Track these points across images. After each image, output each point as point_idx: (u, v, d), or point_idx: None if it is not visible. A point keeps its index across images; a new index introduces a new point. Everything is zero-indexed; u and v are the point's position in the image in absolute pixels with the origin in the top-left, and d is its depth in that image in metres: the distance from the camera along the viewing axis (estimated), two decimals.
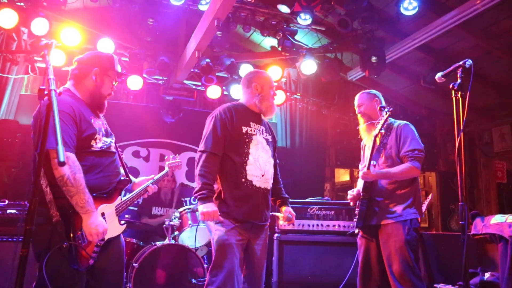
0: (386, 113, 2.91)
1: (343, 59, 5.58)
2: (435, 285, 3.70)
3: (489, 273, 3.34)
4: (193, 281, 3.88)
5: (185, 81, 5.73)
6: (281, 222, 3.95)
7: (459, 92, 2.23)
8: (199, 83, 5.76)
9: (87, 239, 2.05)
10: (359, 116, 3.20)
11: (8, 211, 3.33)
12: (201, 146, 2.60)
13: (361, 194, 2.99)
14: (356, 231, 3.11)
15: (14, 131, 4.86)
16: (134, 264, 3.79)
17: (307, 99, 6.57)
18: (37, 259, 2.06)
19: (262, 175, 2.62)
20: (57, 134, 1.52)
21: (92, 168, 2.18)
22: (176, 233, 4.31)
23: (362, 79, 6.16)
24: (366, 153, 3.22)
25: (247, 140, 2.62)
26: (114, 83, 2.39)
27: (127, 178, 2.41)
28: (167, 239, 4.14)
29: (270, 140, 2.80)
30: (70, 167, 2.01)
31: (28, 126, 5.47)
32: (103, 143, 2.25)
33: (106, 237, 2.18)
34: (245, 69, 5.54)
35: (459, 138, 2.17)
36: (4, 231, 3.27)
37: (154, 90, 5.96)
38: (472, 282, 3.37)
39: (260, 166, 2.62)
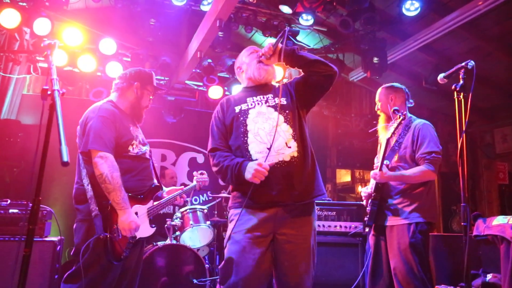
0: (400, 117, 2.81)
1: (345, 60, 5.58)
2: (437, 286, 3.69)
3: (491, 274, 3.33)
4: (195, 281, 3.88)
5: (187, 81, 5.73)
6: None
7: (461, 93, 2.23)
8: (201, 83, 5.77)
9: (121, 233, 2.26)
10: (378, 112, 3.12)
11: (10, 210, 3.34)
12: (209, 148, 2.37)
13: (373, 194, 2.92)
14: (367, 229, 3.08)
15: (16, 130, 4.87)
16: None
17: None
18: (76, 251, 2.26)
19: (268, 149, 2.17)
20: (61, 134, 1.53)
21: (128, 171, 2.41)
22: (178, 233, 4.31)
23: (364, 80, 6.16)
24: (380, 151, 3.16)
25: (241, 118, 2.28)
26: (151, 96, 2.68)
27: (159, 185, 2.62)
28: (168, 239, 4.14)
29: (285, 103, 2.34)
30: (109, 166, 2.25)
31: (30, 126, 5.49)
32: (139, 149, 2.51)
33: (138, 236, 2.38)
34: None
35: (461, 139, 2.17)
36: (6, 231, 3.27)
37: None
38: (474, 283, 3.37)
39: (262, 139, 2.21)
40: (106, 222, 2.24)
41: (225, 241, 2.24)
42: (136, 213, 2.40)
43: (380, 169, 2.81)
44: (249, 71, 2.46)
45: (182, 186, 2.96)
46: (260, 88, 2.44)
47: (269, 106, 2.32)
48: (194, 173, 3.36)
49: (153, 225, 2.54)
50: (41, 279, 3.21)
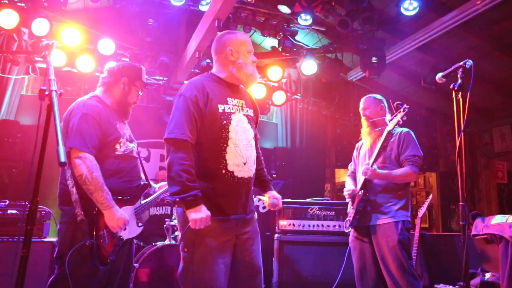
0: (404, 110, 2.98)
1: (343, 60, 5.58)
2: (436, 285, 3.70)
3: (490, 273, 3.34)
4: None
5: (185, 82, 5.73)
6: (265, 203, 3.72)
7: (460, 93, 2.24)
8: None
9: (109, 239, 2.21)
10: (363, 119, 3.26)
11: (9, 211, 3.34)
12: (169, 133, 2.06)
13: (361, 192, 3.03)
14: (349, 230, 3.15)
15: (15, 131, 4.86)
16: (135, 265, 3.78)
17: (307, 99, 6.57)
18: (59, 254, 2.19)
19: (244, 163, 2.13)
20: (58, 135, 1.53)
21: (116, 172, 2.33)
22: (177, 233, 4.31)
23: (363, 79, 6.16)
24: (361, 153, 3.31)
25: (224, 121, 2.09)
26: (140, 92, 2.55)
27: (147, 183, 2.54)
28: (167, 239, 4.14)
29: (253, 115, 2.29)
30: (87, 167, 2.15)
31: (29, 127, 5.48)
32: (126, 147, 2.41)
33: (125, 237, 2.33)
34: None
35: (459, 138, 2.18)
36: (5, 232, 3.27)
37: (154, 91, 5.96)
38: (472, 282, 3.37)
39: (241, 153, 2.12)
40: (92, 227, 2.16)
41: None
42: None
43: (371, 166, 2.94)
44: (243, 70, 2.21)
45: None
46: (236, 88, 2.27)
47: (244, 114, 2.22)
48: None
49: (141, 224, 2.47)
50: (40, 279, 3.20)
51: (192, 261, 2.01)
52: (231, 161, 2.09)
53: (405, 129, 3.15)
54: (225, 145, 2.09)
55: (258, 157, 2.35)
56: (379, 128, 3.13)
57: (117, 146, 2.36)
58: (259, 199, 2.64)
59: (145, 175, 2.59)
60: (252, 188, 2.26)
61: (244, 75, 2.21)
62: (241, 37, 2.29)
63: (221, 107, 2.12)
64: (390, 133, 3.08)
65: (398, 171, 2.97)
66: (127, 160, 2.41)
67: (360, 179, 3.08)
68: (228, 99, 2.17)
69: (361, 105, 3.30)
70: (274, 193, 2.37)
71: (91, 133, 2.23)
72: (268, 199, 2.35)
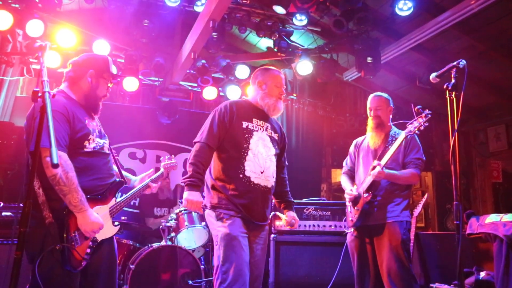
0: (425, 116, 2.93)
1: (338, 60, 5.59)
2: (431, 285, 3.71)
3: (485, 272, 3.36)
4: (190, 282, 3.88)
5: (181, 82, 5.72)
6: (280, 222, 3.98)
7: (453, 92, 2.25)
8: (195, 84, 5.76)
9: (80, 242, 2.08)
10: (371, 118, 3.24)
11: (3, 213, 3.32)
12: (197, 138, 2.58)
13: (366, 194, 3.03)
14: (352, 230, 3.15)
15: (9, 133, 4.84)
16: (131, 266, 3.78)
17: (303, 99, 6.58)
18: (30, 261, 2.06)
19: (261, 172, 2.53)
20: (51, 136, 1.52)
21: (85, 170, 2.18)
22: (173, 234, 4.31)
23: (358, 79, 6.17)
24: (362, 152, 3.30)
25: (247, 135, 2.55)
26: (109, 84, 2.41)
27: (121, 180, 2.42)
28: (163, 240, 4.14)
29: (277, 138, 2.72)
30: (62, 166, 2.00)
31: (24, 128, 5.43)
32: (96, 143, 2.27)
33: (100, 238, 2.20)
34: (241, 70, 5.55)
35: (453, 138, 2.19)
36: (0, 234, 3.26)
37: (150, 92, 5.95)
38: (467, 281, 3.39)
39: (259, 162, 2.54)
40: (62, 229, 2.03)
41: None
42: None
43: (381, 168, 2.93)
44: (266, 99, 2.66)
45: (146, 176, 2.74)
46: (263, 113, 2.70)
47: (268, 135, 2.66)
48: (161, 158, 3.10)
49: (117, 223, 2.36)
50: None
51: (220, 249, 2.41)
52: (248, 168, 2.51)
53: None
54: (245, 154, 2.52)
55: (283, 179, 2.84)
56: (398, 132, 3.17)
57: (86, 143, 2.21)
58: (276, 215, 3.01)
59: (120, 172, 2.48)
60: (270, 198, 2.64)
61: (266, 105, 2.67)
62: (274, 74, 2.76)
63: (245, 124, 2.58)
64: (394, 138, 3.11)
65: (404, 172, 3.03)
66: (97, 156, 2.27)
67: (366, 179, 3.06)
68: (254, 119, 2.64)
69: (372, 104, 3.25)
70: (294, 214, 2.77)
71: (62, 131, 2.09)
72: (287, 217, 2.75)
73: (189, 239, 4.40)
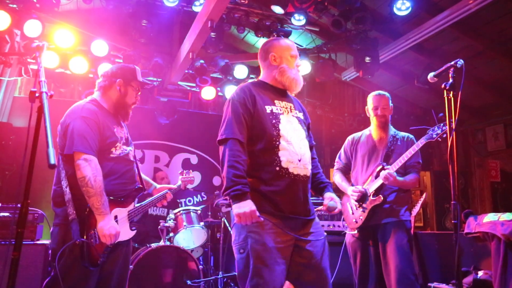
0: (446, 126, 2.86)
1: (337, 60, 5.59)
2: (430, 284, 3.71)
3: (483, 271, 3.36)
4: (188, 282, 3.88)
5: (179, 82, 5.72)
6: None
7: (451, 92, 2.25)
8: (194, 84, 5.76)
9: (100, 240, 2.18)
10: (378, 116, 3.21)
11: (1, 214, 3.31)
12: (221, 134, 2.13)
13: (374, 196, 3.04)
14: (355, 231, 3.12)
15: (8, 133, 4.84)
16: (129, 266, 3.77)
17: (301, 99, 6.56)
18: (53, 257, 2.18)
19: (299, 160, 2.16)
20: (48, 136, 1.52)
21: (109, 174, 2.32)
22: (171, 234, 4.30)
23: (357, 79, 6.18)
24: (361, 151, 3.28)
25: (274, 121, 2.16)
26: (138, 92, 2.57)
27: (141, 186, 2.54)
28: (162, 240, 4.14)
29: (303, 118, 2.36)
30: (92, 170, 2.17)
31: (22, 129, 5.45)
32: (122, 150, 2.42)
33: (117, 240, 2.28)
34: (239, 70, 5.55)
35: (451, 137, 2.19)
36: None
37: (148, 92, 5.95)
38: (465, 280, 3.39)
39: (295, 150, 2.16)
40: (83, 226, 2.15)
41: None
42: (116, 217, 2.33)
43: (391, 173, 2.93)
44: (285, 75, 2.26)
45: (167, 189, 2.86)
46: (281, 92, 2.32)
47: (294, 116, 2.28)
48: (179, 171, 3.25)
49: (134, 228, 2.46)
50: (33, 282, 3.18)
51: (248, 262, 2.00)
52: (284, 158, 2.12)
53: (410, 135, 3.23)
54: (277, 143, 2.13)
55: (314, 161, 2.41)
56: (397, 133, 3.22)
57: (113, 149, 2.37)
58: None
59: (140, 179, 2.59)
60: (310, 188, 2.26)
61: (286, 79, 2.28)
62: (284, 43, 2.36)
63: (268, 108, 2.19)
64: (396, 138, 3.15)
65: (409, 178, 3.07)
66: (122, 162, 2.41)
67: (376, 182, 3.05)
68: (276, 101, 2.25)
69: (379, 102, 3.21)
70: (333, 195, 2.30)
71: (93, 136, 2.26)
72: (324, 200, 2.29)
73: (187, 239, 4.39)
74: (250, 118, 2.15)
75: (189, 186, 3.28)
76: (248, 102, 2.16)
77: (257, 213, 1.96)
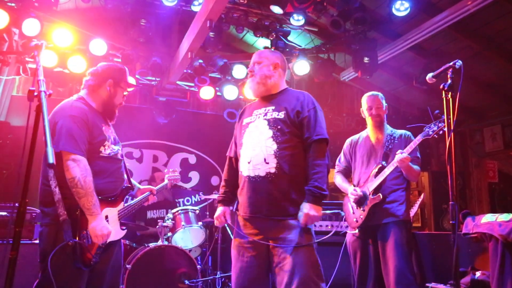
0: (442, 122, 2.89)
1: (336, 60, 5.60)
2: (427, 284, 3.72)
3: (480, 272, 3.37)
4: (186, 282, 3.87)
5: (178, 82, 5.72)
6: None
7: (450, 93, 2.25)
8: (192, 84, 5.75)
9: (92, 240, 2.16)
10: (372, 117, 3.25)
11: None
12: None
13: (374, 195, 3.05)
14: (356, 231, 3.14)
15: (5, 132, 4.83)
16: (127, 266, 3.77)
17: None
18: (42, 257, 2.14)
19: (249, 162, 2.29)
20: (47, 136, 1.52)
21: (99, 173, 2.29)
22: (169, 234, 4.30)
23: (355, 79, 6.19)
24: (360, 152, 3.32)
25: (243, 131, 2.44)
26: (125, 93, 2.56)
27: (130, 185, 2.53)
28: (160, 240, 4.13)
29: (282, 117, 2.31)
30: (81, 170, 2.14)
31: (19, 128, 5.43)
32: (111, 150, 2.39)
33: (108, 240, 2.27)
34: (238, 69, 5.55)
35: (449, 138, 2.19)
36: None
37: (147, 91, 5.94)
38: (463, 281, 3.40)
39: (246, 153, 2.34)
40: (75, 227, 2.12)
41: None
42: (107, 217, 2.31)
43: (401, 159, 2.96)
44: (281, 80, 2.61)
45: (152, 187, 2.90)
46: (264, 99, 2.50)
47: (265, 119, 2.36)
48: (165, 170, 3.23)
49: (124, 228, 2.45)
50: (31, 282, 3.17)
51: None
52: (240, 163, 2.42)
53: (407, 132, 3.26)
54: (240, 151, 2.43)
55: (309, 160, 2.29)
56: (394, 131, 3.25)
57: (102, 148, 2.34)
58: None
59: (128, 178, 2.58)
60: (273, 188, 2.22)
61: (248, 89, 2.57)
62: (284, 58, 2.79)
63: (246, 121, 2.47)
64: (393, 137, 3.18)
65: (416, 168, 3.09)
66: (111, 162, 2.40)
67: (376, 180, 3.08)
68: (255, 111, 2.46)
69: (372, 103, 3.25)
70: (306, 209, 2.24)
71: (82, 136, 2.22)
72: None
73: (185, 239, 4.39)
74: (234, 138, 2.58)
75: (185, 185, 3.28)
76: (236, 125, 2.58)
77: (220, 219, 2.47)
